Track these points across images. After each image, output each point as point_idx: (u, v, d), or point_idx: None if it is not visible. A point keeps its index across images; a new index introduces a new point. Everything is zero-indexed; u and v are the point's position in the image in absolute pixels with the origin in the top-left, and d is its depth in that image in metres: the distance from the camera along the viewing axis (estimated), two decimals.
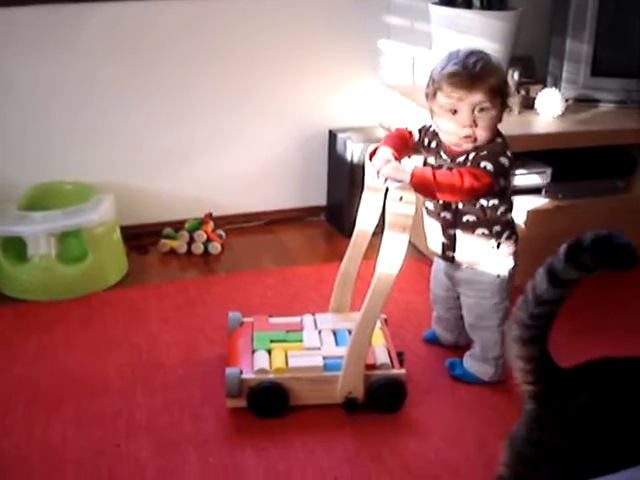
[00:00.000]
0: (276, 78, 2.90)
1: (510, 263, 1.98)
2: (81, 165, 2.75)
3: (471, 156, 1.86)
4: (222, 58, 2.81)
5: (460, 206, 1.92)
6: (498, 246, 1.94)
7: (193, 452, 1.76)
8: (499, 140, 1.88)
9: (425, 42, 2.89)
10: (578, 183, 2.58)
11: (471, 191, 1.81)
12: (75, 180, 2.69)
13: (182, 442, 1.80)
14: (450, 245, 1.98)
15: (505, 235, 1.94)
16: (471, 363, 2.05)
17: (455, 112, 1.84)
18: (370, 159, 1.92)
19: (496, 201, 1.89)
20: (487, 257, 1.96)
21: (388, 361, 1.93)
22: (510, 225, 1.96)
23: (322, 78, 2.95)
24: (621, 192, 2.63)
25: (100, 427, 1.84)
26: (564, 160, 2.57)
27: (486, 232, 1.92)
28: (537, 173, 2.53)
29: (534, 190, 2.54)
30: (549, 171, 2.53)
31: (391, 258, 1.78)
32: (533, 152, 2.50)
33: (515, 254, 1.98)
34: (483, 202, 1.89)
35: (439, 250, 2.01)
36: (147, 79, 2.74)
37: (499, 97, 1.84)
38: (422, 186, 1.78)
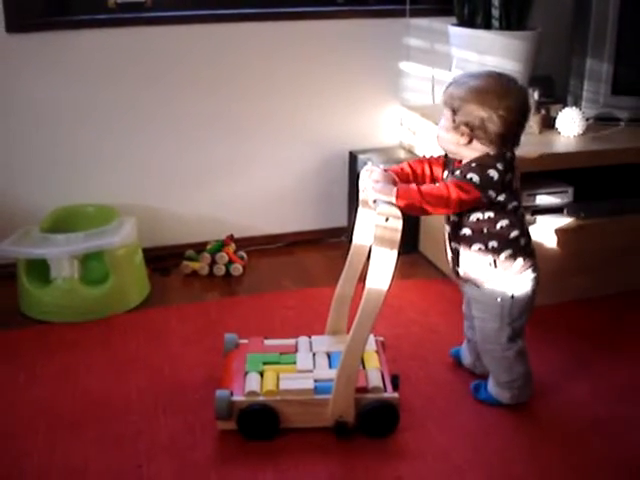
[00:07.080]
0: (297, 100, 2.92)
1: (517, 286, 1.89)
2: (104, 188, 2.78)
3: (461, 169, 1.84)
4: (243, 82, 2.83)
5: (456, 219, 1.88)
6: (494, 264, 1.87)
7: (214, 474, 1.75)
8: (491, 153, 1.82)
9: (445, 63, 2.90)
10: (600, 202, 2.56)
11: (458, 202, 1.77)
12: (98, 203, 2.72)
13: (204, 463, 1.79)
14: (455, 259, 1.95)
15: (505, 254, 1.86)
16: (491, 386, 2.02)
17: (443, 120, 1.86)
18: None
19: (492, 214, 1.83)
20: (486, 275, 1.89)
21: (381, 384, 1.88)
22: (513, 244, 1.87)
23: (342, 100, 2.96)
24: None
25: (121, 449, 1.84)
26: (586, 179, 2.55)
27: (482, 248, 1.86)
28: (558, 193, 2.51)
29: (556, 210, 2.52)
30: (571, 190, 2.52)
31: (380, 275, 1.71)
32: (554, 171, 2.48)
33: (528, 276, 1.90)
34: (479, 215, 1.84)
35: (450, 264, 1.98)
36: (170, 105, 2.77)
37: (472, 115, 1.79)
38: (408, 203, 1.74)
